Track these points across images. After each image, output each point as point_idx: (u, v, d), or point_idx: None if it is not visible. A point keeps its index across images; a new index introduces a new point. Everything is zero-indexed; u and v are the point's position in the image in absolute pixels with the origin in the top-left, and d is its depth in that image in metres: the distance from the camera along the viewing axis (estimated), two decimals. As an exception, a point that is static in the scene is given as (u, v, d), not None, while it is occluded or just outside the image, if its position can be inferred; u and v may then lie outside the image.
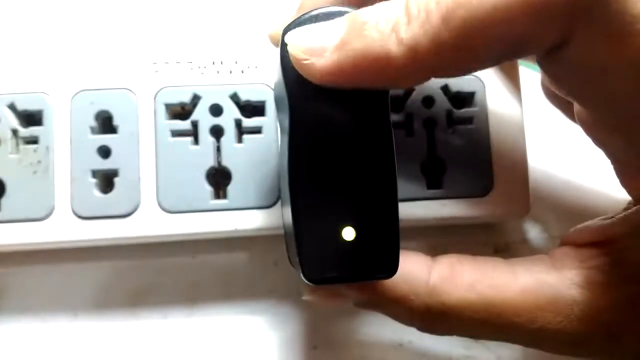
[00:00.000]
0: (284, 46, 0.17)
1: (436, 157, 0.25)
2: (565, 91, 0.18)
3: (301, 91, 0.17)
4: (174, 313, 0.27)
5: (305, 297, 0.22)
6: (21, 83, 0.24)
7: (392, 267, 0.17)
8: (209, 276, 0.28)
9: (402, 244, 0.19)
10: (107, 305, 0.27)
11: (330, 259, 0.17)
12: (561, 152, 0.29)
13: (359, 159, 0.17)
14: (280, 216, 0.24)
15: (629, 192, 0.20)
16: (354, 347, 0.28)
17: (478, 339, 0.21)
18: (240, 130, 0.25)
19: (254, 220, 0.24)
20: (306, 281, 0.17)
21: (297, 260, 0.17)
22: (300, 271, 0.17)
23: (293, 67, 0.17)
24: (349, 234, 0.17)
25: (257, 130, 0.25)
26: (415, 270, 0.20)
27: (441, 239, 0.28)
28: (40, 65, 0.25)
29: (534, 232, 0.28)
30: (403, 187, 0.24)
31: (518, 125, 0.25)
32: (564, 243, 0.21)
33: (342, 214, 0.17)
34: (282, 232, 0.23)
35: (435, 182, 0.25)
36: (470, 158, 0.25)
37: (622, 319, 0.19)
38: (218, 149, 0.24)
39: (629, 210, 0.20)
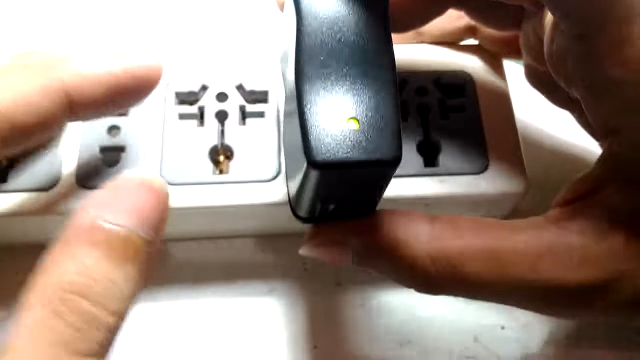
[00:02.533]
0: None
1: (431, 142, 0.26)
2: None
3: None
4: (174, 312, 0.27)
5: (302, 250, 0.22)
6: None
7: (395, 154, 0.17)
8: (209, 277, 0.28)
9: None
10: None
11: (336, 145, 0.17)
12: (559, 151, 0.30)
13: (361, 58, 0.18)
14: (279, 189, 0.24)
15: (593, 122, 0.20)
16: (354, 347, 0.27)
17: (476, 297, 0.21)
18: (244, 115, 0.26)
19: (254, 194, 0.24)
20: (312, 169, 0.17)
21: (303, 145, 0.17)
22: (306, 157, 0.17)
23: None
24: (352, 125, 0.17)
25: (259, 115, 0.26)
26: (418, 220, 0.20)
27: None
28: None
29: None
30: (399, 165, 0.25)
31: (508, 110, 0.26)
32: (555, 205, 0.22)
33: (346, 108, 0.17)
34: (280, 218, 0.24)
35: (433, 161, 0.25)
36: (465, 140, 0.25)
37: (620, 265, 0.19)
38: (222, 132, 0.26)
39: (602, 153, 0.20)
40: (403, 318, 0.27)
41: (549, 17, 0.21)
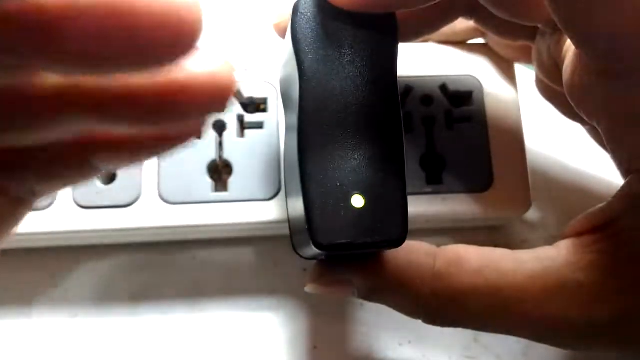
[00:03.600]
0: (294, 16, 0.18)
1: (436, 153, 0.25)
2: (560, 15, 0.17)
3: (311, 59, 0.17)
4: (175, 313, 0.27)
5: (308, 288, 0.22)
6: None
7: (400, 234, 0.17)
8: (209, 277, 0.28)
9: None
10: (108, 304, 0.27)
11: (340, 225, 0.16)
12: (561, 155, 0.29)
13: (367, 128, 0.17)
14: (279, 209, 0.24)
15: (616, 156, 0.20)
16: (354, 347, 0.27)
17: (482, 330, 0.21)
18: (243, 126, 0.25)
19: (253, 213, 0.24)
20: (316, 249, 0.17)
21: (306, 228, 0.17)
22: (310, 240, 0.17)
23: (303, 36, 0.17)
24: (357, 201, 0.17)
25: (258, 126, 0.25)
26: (421, 256, 0.20)
27: (441, 242, 0.28)
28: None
29: (534, 233, 0.28)
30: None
31: (516, 122, 0.25)
32: (566, 236, 0.21)
33: (351, 183, 0.17)
34: (281, 227, 0.23)
35: (435, 177, 0.25)
36: (470, 155, 0.25)
37: (630, 302, 0.19)
38: (220, 144, 0.25)
39: (621, 187, 0.20)
40: (403, 318, 0.28)
41: (568, 45, 0.20)
